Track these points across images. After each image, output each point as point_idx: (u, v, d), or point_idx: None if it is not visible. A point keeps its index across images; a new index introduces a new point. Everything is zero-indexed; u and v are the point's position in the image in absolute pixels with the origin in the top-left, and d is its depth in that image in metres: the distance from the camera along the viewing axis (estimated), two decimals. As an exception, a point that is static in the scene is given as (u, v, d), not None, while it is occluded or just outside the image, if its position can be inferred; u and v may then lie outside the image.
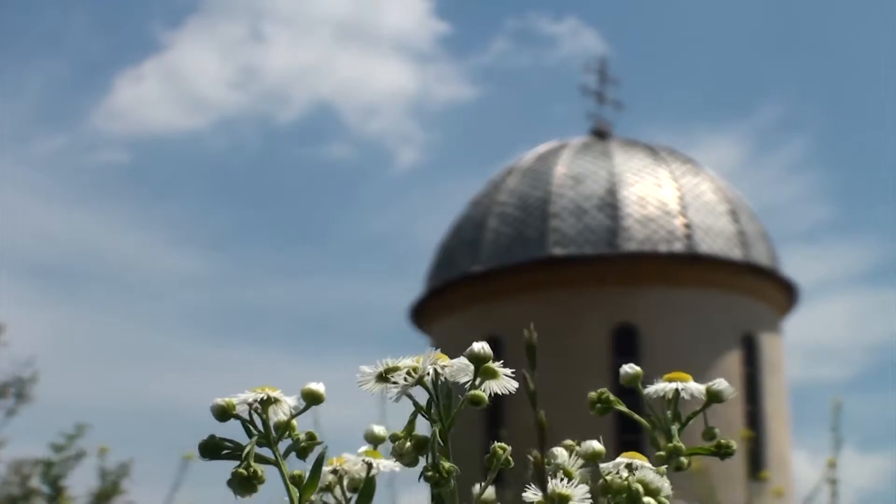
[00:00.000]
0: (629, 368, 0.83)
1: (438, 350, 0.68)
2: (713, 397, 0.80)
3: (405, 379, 0.68)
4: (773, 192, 29.31)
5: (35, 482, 4.55)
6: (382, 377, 0.70)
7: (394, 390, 0.69)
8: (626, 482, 0.72)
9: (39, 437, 4.64)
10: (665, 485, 0.72)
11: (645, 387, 0.81)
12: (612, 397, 0.84)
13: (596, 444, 0.75)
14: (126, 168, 31.44)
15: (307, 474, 0.72)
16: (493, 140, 32.86)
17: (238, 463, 0.71)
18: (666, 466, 0.79)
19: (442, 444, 0.69)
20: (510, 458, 0.73)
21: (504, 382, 0.73)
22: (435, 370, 0.69)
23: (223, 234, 32.96)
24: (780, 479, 13.99)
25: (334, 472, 0.77)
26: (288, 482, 0.72)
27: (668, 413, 0.80)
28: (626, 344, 14.86)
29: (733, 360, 15.21)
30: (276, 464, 0.73)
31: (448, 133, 34.23)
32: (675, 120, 31.88)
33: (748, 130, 32.10)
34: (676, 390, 0.80)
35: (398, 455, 0.70)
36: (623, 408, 0.83)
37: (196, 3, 37.04)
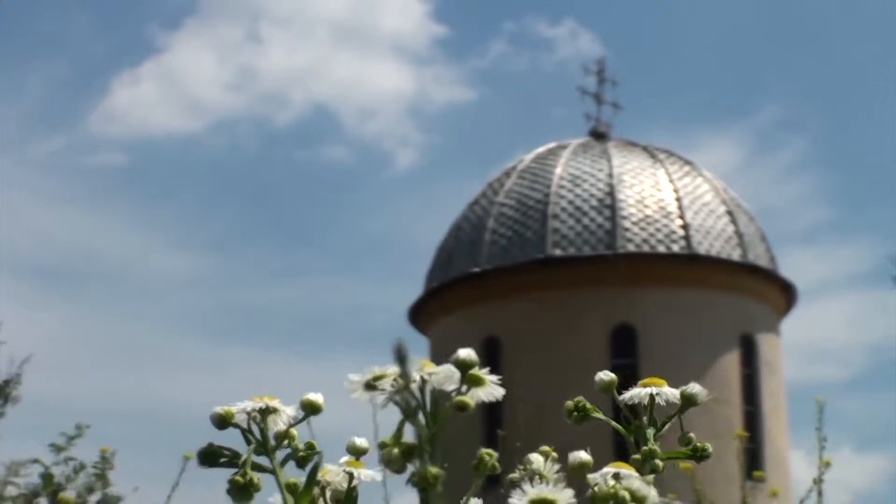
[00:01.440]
0: (604, 376, 0.85)
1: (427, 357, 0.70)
2: (688, 401, 0.82)
3: (392, 386, 0.71)
4: (772, 194, 29.35)
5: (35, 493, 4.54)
6: (370, 385, 0.72)
7: (381, 398, 0.71)
8: (612, 489, 0.73)
9: (39, 438, 4.64)
10: (652, 493, 0.74)
11: (623, 393, 0.83)
12: (588, 405, 0.86)
13: (584, 455, 0.78)
14: (124, 170, 31.47)
15: (303, 482, 0.74)
16: (491, 142, 32.89)
17: (235, 471, 0.73)
18: (652, 474, 0.81)
19: (429, 450, 0.71)
20: (497, 465, 0.74)
21: (491, 389, 0.73)
22: (421, 377, 0.70)
23: (222, 235, 32.99)
24: (778, 479, 14.01)
25: (316, 483, 0.78)
26: (284, 490, 0.74)
27: (644, 418, 0.81)
28: (624, 344, 14.89)
29: (732, 360, 15.22)
30: (273, 472, 0.75)
31: (446, 135, 34.26)
32: (674, 121, 31.91)
33: (747, 132, 32.14)
34: (651, 395, 0.82)
35: (386, 462, 0.71)
36: (600, 415, 0.85)
37: (193, 5, 37.08)
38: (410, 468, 0.70)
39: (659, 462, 0.79)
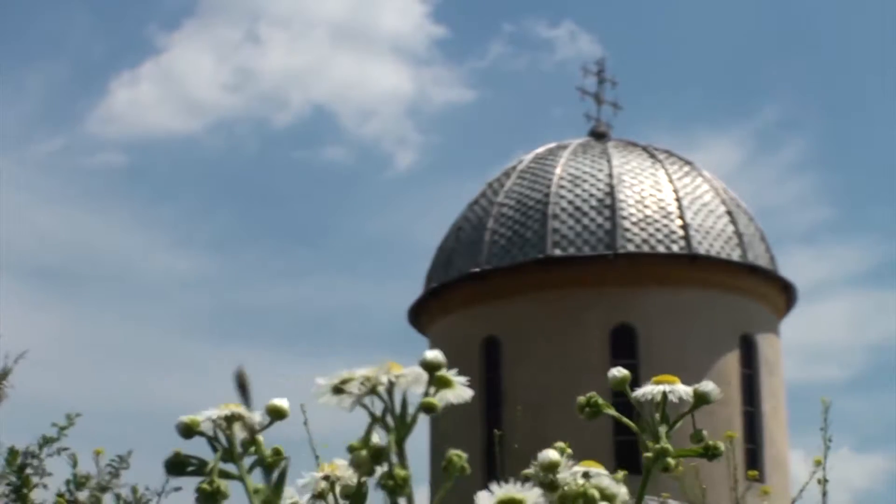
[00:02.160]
0: (617, 372, 0.83)
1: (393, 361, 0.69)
2: (700, 399, 0.81)
3: (359, 389, 0.70)
4: (772, 194, 29.35)
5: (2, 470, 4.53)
6: (338, 389, 0.71)
7: (348, 401, 0.70)
8: (582, 487, 0.72)
9: (38, 437, 4.65)
10: (622, 490, 0.73)
11: (636, 389, 0.82)
12: (600, 401, 0.84)
13: (553, 454, 0.77)
14: (124, 170, 31.49)
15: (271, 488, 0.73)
16: (491, 142, 32.92)
17: (203, 479, 0.73)
18: (665, 472, 0.80)
19: (398, 452, 0.70)
20: (466, 466, 0.73)
21: (459, 391, 0.72)
22: (389, 380, 0.70)
23: (222, 235, 33.01)
24: (777, 480, 14.01)
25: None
26: (252, 496, 0.73)
27: (657, 415, 0.80)
28: (624, 344, 14.88)
29: (731, 360, 15.22)
30: (241, 479, 0.74)
31: (446, 135, 34.29)
32: (674, 121, 31.92)
33: (747, 132, 32.14)
34: (664, 393, 0.80)
35: (355, 465, 0.71)
36: (612, 412, 0.84)
37: (193, 6, 37.11)
38: (379, 471, 0.70)
39: (671, 460, 0.78)
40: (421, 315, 16.63)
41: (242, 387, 0.68)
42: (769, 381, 15.60)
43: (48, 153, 31.46)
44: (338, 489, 0.78)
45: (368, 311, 30.63)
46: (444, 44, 36.98)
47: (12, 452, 4.43)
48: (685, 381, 0.83)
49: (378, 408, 0.70)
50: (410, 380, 0.70)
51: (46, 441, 4.47)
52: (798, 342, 27.39)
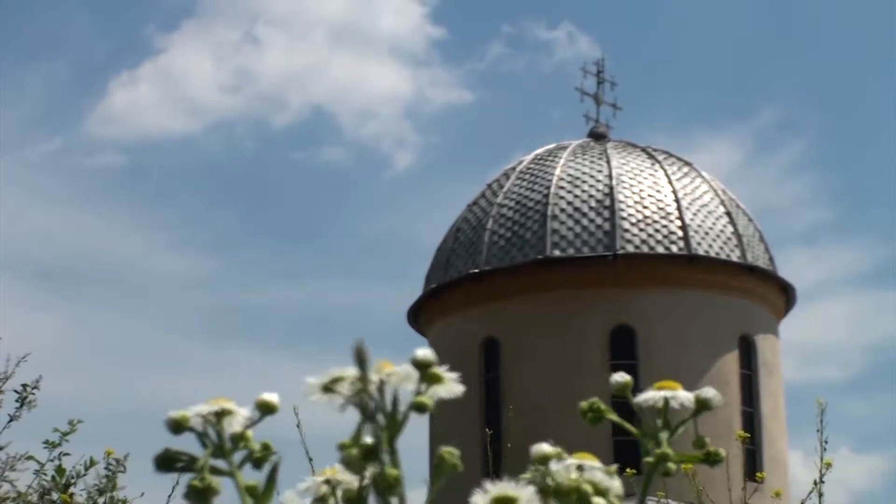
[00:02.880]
0: (619, 377, 0.83)
1: (383, 359, 0.69)
2: (702, 406, 0.81)
3: (349, 389, 0.70)
4: (771, 195, 29.40)
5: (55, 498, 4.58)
6: (328, 388, 0.71)
7: (339, 400, 0.70)
8: (575, 482, 0.72)
9: (37, 438, 4.68)
10: (615, 484, 0.73)
11: (637, 393, 0.82)
12: (603, 407, 0.84)
13: (546, 447, 0.77)
14: (124, 171, 31.54)
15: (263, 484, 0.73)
16: (490, 143, 32.99)
17: (193, 475, 0.72)
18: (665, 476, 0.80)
19: (389, 451, 0.70)
20: (458, 463, 0.73)
21: (450, 387, 0.72)
22: (380, 379, 0.70)
23: (222, 236, 33.05)
24: (777, 480, 14.00)
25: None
26: (244, 492, 0.73)
27: (659, 421, 0.80)
28: (623, 345, 14.89)
29: (730, 361, 15.22)
30: (232, 475, 0.74)
31: (445, 136, 34.37)
32: (673, 122, 31.95)
33: (746, 133, 32.18)
34: (666, 399, 0.81)
35: (346, 464, 0.71)
36: (614, 417, 0.84)
37: (192, 6, 37.17)
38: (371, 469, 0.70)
39: (672, 465, 0.78)
40: (420, 315, 16.64)
41: (361, 361, 0.67)
42: (768, 381, 15.61)
43: (48, 153, 31.52)
44: (339, 493, 0.78)
45: (368, 312, 30.69)
46: (442, 45, 37.05)
47: (59, 470, 4.46)
48: (684, 382, 0.83)
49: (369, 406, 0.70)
50: (401, 378, 0.70)
51: (91, 463, 4.50)
52: (797, 343, 27.44)
